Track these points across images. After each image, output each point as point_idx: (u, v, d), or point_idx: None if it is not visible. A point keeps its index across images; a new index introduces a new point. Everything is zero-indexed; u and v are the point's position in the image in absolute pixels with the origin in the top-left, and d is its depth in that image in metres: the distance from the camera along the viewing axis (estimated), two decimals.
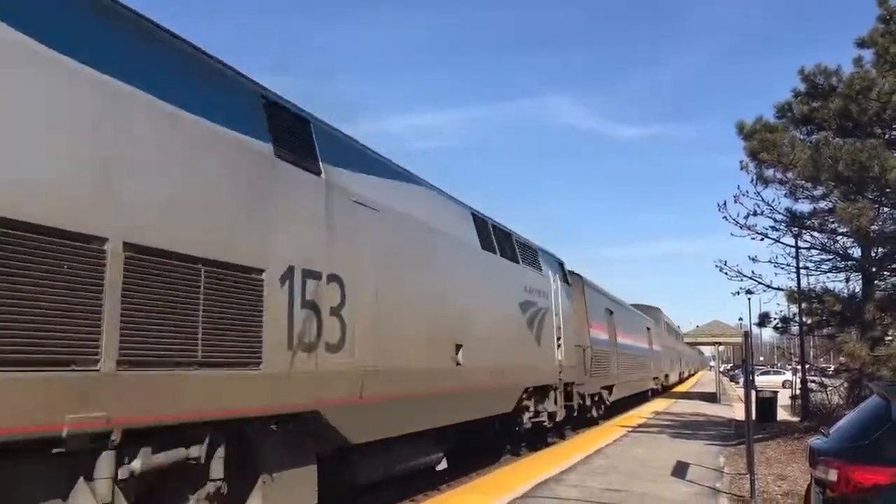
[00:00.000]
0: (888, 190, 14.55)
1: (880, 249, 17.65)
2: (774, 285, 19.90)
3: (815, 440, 6.60)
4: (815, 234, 19.48)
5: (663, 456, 14.11)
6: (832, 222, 17.81)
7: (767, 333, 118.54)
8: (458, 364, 10.41)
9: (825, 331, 20.18)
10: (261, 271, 6.16)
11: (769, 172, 17.00)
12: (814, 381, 22.87)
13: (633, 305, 32.41)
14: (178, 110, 5.48)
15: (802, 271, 20.57)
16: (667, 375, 43.18)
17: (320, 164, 7.42)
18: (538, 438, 15.99)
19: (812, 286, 19.90)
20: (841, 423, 6.66)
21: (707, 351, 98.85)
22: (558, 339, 15.93)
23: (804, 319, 20.29)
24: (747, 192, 17.73)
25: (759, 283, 19.47)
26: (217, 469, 5.77)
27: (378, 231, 8.41)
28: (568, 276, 18.35)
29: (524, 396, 13.72)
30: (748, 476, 10.28)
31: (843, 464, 5.44)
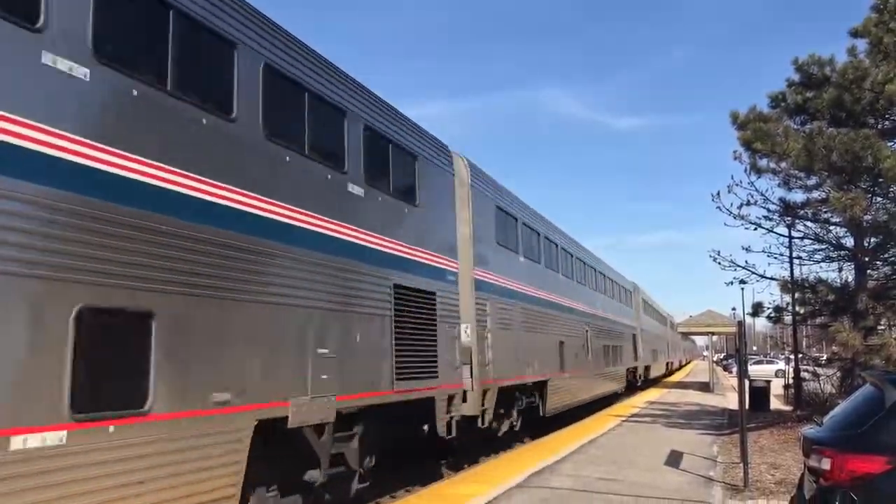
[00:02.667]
0: (881, 180, 14.59)
1: (873, 239, 17.70)
2: (768, 275, 20.03)
3: (809, 429, 6.65)
4: (809, 223, 19.59)
5: (657, 445, 14.18)
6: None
7: (760, 323, 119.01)
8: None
9: (818, 320, 20.29)
10: None
11: (763, 162, 17.04)
12: (807, 371, 22.99)
13: None
14: None
15: (795, 261, 20.67)
16: None
17: None
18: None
19: (805, 276, 20.05)
20: (834, 411, 6.71)
21: (700, 340, 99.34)
22: None
23: (797, 309, 20.41)
24: (741, 181, 17.80)
25: (753, 272, 19.58)
26: None
27: None
28: None
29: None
30: (741, 465, 10.35)
31: (837, 452, 5.47)
